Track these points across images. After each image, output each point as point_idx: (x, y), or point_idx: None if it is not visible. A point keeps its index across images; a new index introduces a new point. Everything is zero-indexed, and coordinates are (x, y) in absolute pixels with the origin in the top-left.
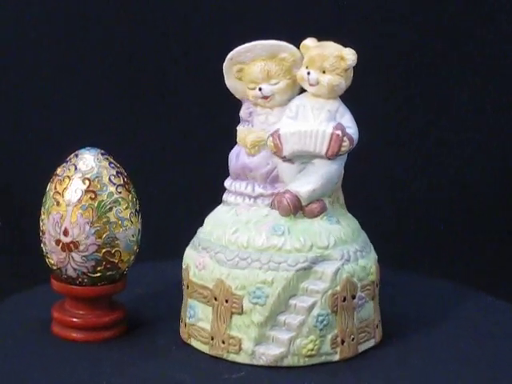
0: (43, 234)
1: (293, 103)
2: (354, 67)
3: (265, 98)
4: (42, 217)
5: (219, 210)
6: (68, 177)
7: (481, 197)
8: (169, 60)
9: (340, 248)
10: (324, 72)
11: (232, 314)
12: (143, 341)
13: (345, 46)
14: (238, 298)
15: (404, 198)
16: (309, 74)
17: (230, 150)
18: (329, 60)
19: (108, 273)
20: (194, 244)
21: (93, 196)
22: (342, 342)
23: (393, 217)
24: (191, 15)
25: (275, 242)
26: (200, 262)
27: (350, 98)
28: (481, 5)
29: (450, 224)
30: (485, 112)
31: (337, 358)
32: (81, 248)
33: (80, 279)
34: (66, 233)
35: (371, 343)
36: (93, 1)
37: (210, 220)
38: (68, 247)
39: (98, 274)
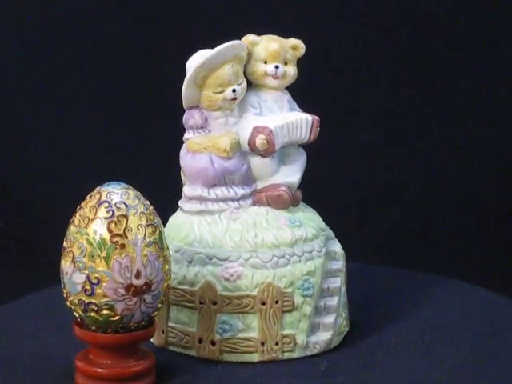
0: (99, 284)
1: (252, 100)
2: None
3: (234, 99)
4: (96, 268)
5: (202, 221)
6: (123, 216)
7: (481, 197)
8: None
9: (326, 228)
10: (286, 64)
11: (283, 312)
12: (183, 373)
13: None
14: (289, 296)
15: (404, 198)
16: (277, 67)
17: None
18: (288, 51)
19: (161, 309)
20: (200, 260)
21: (153, 229)
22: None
23: (392, 216)
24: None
25: (300, 233)
26: (230, 273)
27: (351, 98)
28: (481, 4)
29: (450, 224)
30: (485, 112)
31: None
32: (153, 287)
33: (137, 324)
34: (138, 275)
35: None
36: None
37: (202, 232)
38: (141, 290)
39: (156, 313)
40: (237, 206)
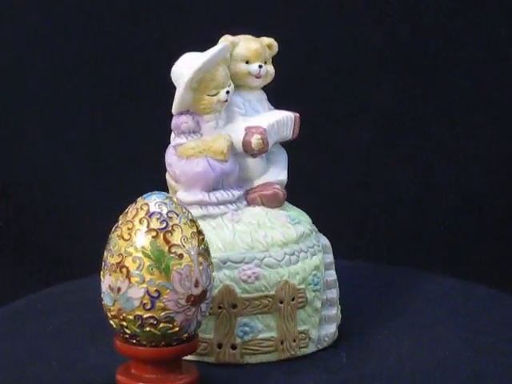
0: (159, 297)
1: (237, 101)
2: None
3: (225, 101)
4: (155, 281)
5: (205, 225)
6: (177, 225)
7: (481, 197)
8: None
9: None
10: (265, 63)
11: (298, 309)
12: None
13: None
14: (303, 292)
15: (404, 198)
16: (260, 67)
17: None
18: (267, 50)
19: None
20: (213, 265)
21: (202, 237)
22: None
23: (392, 216)
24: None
25: (301, 229)
26: (249, 275)
27: (351, 98)
28: (481, 4)
29: (450, 224)
30: (485, 112)
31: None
32: (207, 295)
33: (189, 335)
34: (196, 284)
35: None
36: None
37: (208, 237)
38: (199, 299)
39: (203, 321)
40: (235, 207)
